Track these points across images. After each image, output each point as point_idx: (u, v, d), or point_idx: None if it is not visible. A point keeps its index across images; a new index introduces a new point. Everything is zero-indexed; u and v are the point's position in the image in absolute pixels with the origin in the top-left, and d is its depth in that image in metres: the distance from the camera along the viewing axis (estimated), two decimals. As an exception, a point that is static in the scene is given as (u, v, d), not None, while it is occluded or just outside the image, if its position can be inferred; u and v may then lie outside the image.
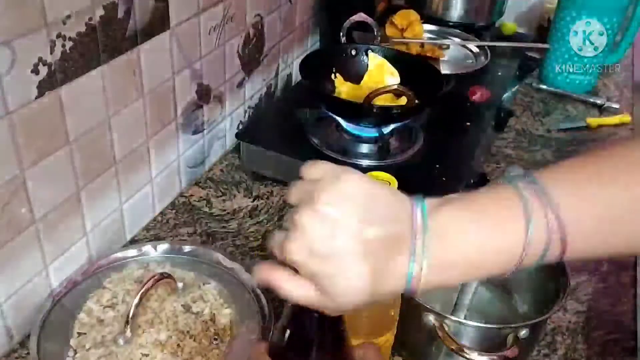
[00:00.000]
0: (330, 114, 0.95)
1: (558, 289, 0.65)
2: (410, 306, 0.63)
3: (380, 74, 1.02)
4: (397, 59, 1.03)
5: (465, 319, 0.63)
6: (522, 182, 0.40)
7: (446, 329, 0.59)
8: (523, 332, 0.59)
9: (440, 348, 0.60)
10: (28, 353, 0.66)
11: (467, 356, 0.57)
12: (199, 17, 0.84)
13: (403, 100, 0.93)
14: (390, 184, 0.50)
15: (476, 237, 0.39)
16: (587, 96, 1.32)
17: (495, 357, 0.58)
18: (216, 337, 0.65)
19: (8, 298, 0.65)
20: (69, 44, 0.62)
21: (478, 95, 1.12)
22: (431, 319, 0.61)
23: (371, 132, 0.93)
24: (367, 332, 0.56)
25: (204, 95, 0.91)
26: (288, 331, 0.43)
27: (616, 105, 1.29)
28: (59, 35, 0.60)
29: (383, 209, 0.39)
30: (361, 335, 0.49)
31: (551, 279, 0.68)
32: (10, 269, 0.64)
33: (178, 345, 0.63)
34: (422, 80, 0.95)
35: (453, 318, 0.60)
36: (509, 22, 1.46)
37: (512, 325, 0.58)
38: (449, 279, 0.40)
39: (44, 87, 0.60)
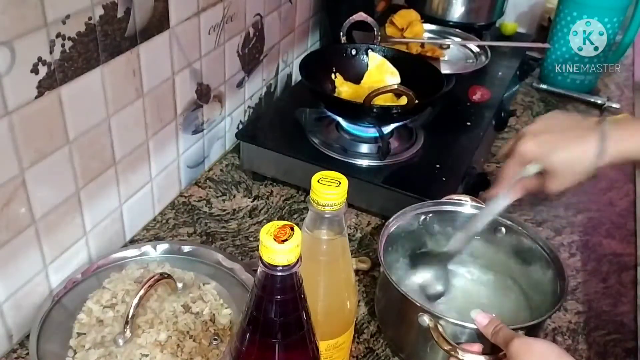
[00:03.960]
0: (330, 114, 0.95)
1: (557, 291, 0.65)
2: (406, 306, 0.63)
3: (380, 73, 1.02)
4: (397, 58, 1.03)
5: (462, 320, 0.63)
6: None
7: (440, 329, 0.59)
8: None
9: (436, 349, 0.60)
10: (27, 353, 0.66)
11: (461, 357, 0.57)
12: (199, 17, 0.84)
13: (403, 100, 0.93)
14: (340, 183, 0.49)
15: None
16: (588, 96, 1.32)
17: (489, 359, 0.57)
18: (216, 337, 0.64)
19: (8, 298, 0.65)
20: (68, 44, 0.62)
21: (478, 95, 1.12)
22: (426, 319, 0.60)
23: (371, 132, 0.93)
24: (325, 333, 0.55)
25: (204, 95, 0.91)
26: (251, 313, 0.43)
27: (617, 105, 1.29)
28: (58, 35, 0.60)
29: None
30: (319, 337, 0.48)
31: (550, 282, 0.68)
32: (10, 269, 0.64)
33: (178, 345, 0.63)
34: (422, 80, 0.95)
35: (448, 319, 0.60)
36: (509, 22, 1.46)
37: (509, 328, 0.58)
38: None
39: (43, 87, 0.60)
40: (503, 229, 0.74)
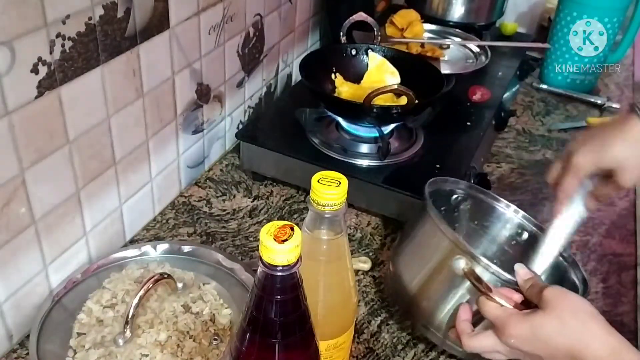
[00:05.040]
0: (330, 114, 0.95)
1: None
2: (440, 248, 0.63)
3: (380, 73, 1.02)
4: (397, 58, 1.03)
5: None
6: None
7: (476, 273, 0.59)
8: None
9: (454, 296, 0.61)
10: (27, 353, 0.66)
11: (499, 301, 0.56)
12: (199, 17, 0.84)
13: (403, 100, 0.93)
14: (340, 183, 0.50)
15: None
16: (588, 96, 1.32)
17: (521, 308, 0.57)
18: (216, 337, 0.64)
19: (8, 298, 0.65)
20: (68, 44, 0.62)
21: (478, 95, 1.12)
22: (461, 263, 0.60)
23: (371, 132, 0.93)
24: (325, 333, 0.55)
25: (204, 95, 0.91)
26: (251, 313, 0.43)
27: (617, 105, 1.29)
28: (58, 35, 0.60)
29: None
30: (319, 337, 0.48)
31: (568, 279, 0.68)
32: (10, 269, 0.64)
33: (178, 345, 0.63)
34: (422, 80, 0.95)
35: (488, 263, 0.59)
36: (509, 22, 1.46)
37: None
38: None
39: (43, 87, 0.60)
40: (526, 234, 0.74)
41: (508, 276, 0.59)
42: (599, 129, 0.65)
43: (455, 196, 0.77)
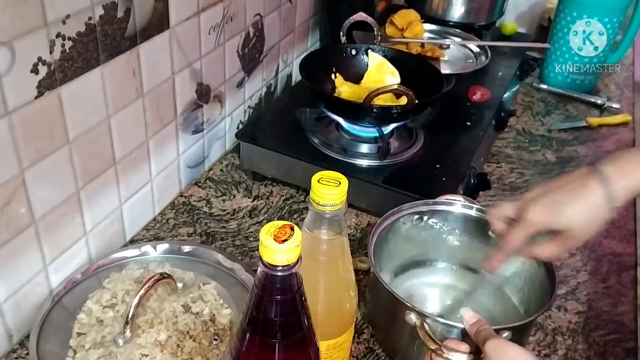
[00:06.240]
0: (330, 114, 0.95)
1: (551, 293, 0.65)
2: (394, 305, 0.63)
3: (380, 73, 1.02)
4: (397, 58, 1.03)
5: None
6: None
7: (427, 328, 0.59)
8: (505, 335, 0.58)
9: (421, 348, 0.60)
10: (27, 353, 0.66)
11: (447, 356, 0.56)
12: (199, 17, 0.84)
13: (403, 100, 0.93)
14: (340, 183, 0.49)
15: None
16: (588, 96, 1.32)
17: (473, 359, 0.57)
18: (216, 337, 0.64)
19: (8, 298, 0.65)
20: (68, 44, 0.62)
21: (478, 95, 1.12)
22: (412, 317, 0.60)
23: (371, 132, 0.93)
24: (325, 333, 0.55)
25: (204, 95, 0.91)
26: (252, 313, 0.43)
27: (617, 105, 1.29)
28: (58, 35, 0.60)
29: None
30: (319, 337, 0.48)
31: (544, 283, 0.67)
32: (10, 269, 0.64)
33: (178, 345, 0.63)
34: (422, 80, 0.95)
35: (435, 317, 0.60)
36: (509, 22, 1.46)
37: (494, 328, 0.58)
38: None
39: (43, 87, 0.60)
40: None
41: (459, 325, 0.59)
42: (558, 184, 0.62)
43: (417, 216, 0.75)
